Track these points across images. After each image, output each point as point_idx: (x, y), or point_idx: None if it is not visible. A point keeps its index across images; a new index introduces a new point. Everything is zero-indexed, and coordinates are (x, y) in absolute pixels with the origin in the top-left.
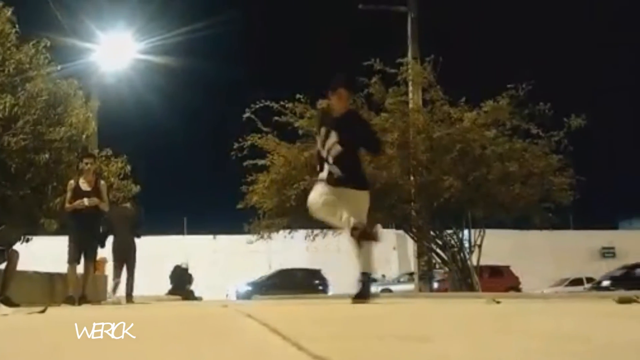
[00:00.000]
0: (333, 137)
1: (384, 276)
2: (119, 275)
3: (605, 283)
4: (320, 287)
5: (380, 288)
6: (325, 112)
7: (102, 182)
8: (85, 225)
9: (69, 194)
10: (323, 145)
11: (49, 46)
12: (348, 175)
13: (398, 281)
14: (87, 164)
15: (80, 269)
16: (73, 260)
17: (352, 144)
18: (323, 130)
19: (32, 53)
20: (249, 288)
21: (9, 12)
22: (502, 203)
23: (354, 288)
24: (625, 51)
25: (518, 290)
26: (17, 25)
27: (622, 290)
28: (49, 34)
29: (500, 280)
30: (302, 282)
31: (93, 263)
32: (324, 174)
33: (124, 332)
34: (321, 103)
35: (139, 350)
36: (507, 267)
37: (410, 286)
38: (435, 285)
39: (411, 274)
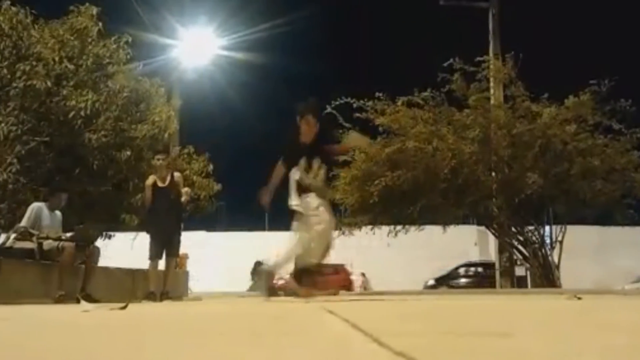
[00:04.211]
0: (316, 162)
1: None
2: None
3: None
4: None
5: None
6: (295, 141)
7: (177, 174)
8: (165, 221)
9: (148, 192)
10: (308, 170)
11: (130, 42)
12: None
13: None
14: (158, 159)
15: (162, 264)
16: (154, 257)
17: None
18: (303, 161)
19: (113, 48)
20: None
21: (94, 10)
22: (584, 199)
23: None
24: None
25: (350, 289)
26: (100, 23)
27: None
28: (131, 30)
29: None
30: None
31: (175, 259)
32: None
33: (205, 328)
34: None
35: (221, 346)
36: (342, 265)
37: None
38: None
39: None
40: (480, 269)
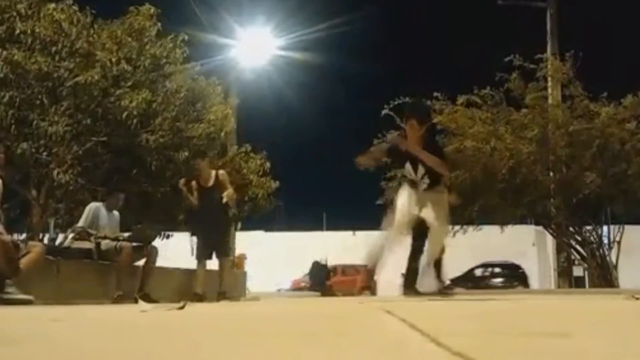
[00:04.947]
0: (422, 169)
1: None
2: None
3: None
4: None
5: None
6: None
7: (221, 172)
8: (211, 221)
9: (194, 193)
10: (415, 174)
11: (187, 41)
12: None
13: None
14: (198, 164)
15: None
16: (201, 257)
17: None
18: (408, 165)
19: (170, 47)
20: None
21: (151, 9)
22: None
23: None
24: None
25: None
26: (159, 24)
27: None
28: (189, 29)
29: (354, 279)
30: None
31: (227, 259)
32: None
33: (262, 329)
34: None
35: (277, 346)
36: (365, 266)
37: None
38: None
39: None
40: (497, 270)
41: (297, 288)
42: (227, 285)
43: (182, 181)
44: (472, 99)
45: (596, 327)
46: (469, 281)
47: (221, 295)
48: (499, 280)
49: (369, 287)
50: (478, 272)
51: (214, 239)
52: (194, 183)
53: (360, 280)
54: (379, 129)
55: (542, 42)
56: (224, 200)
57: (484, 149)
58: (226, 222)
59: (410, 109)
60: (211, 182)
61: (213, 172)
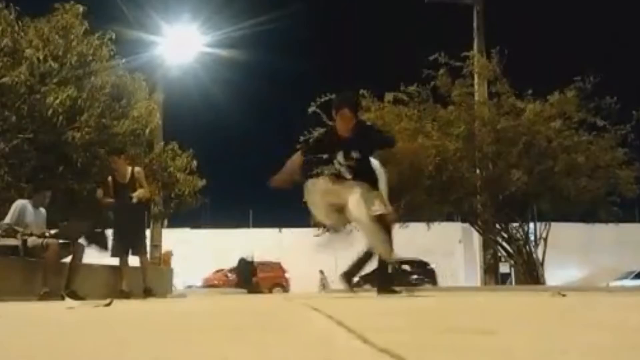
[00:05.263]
0: (355, 154)
1: None
2: None
3: None
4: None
5: None
6: (329, 134)
7: (137, 169)
8: (126, 218)
9: (106, 190)
10: (343, 164)
11: (114, 39)
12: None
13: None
14: (114, 161)
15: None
16: (117, 254)
17: (368, 156)
18: (340, 153)
19: (96, 45)
20: None
21: (80, 9)
22: (568, 196)
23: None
24: None
25: (283, 287)
26: (85, 22)
27: None
28: (115, 26)
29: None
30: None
31: (145, 255)
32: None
33: (189, 325)
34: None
35: (204, 343)
36: (278, 263)
37: None
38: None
39: None
40: (405, 267)
41: (209, 285)
42: (150, 281)
43: (100, 192)
44: (399, 96)
45: (522, 323)
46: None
47: (147, 292)
48: (406, 277)
49: (281, 284)
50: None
51: (129, 236)
52: (110, 179)
53: (271, 278)
54: (305, 125)
55: (469, 39)
56: (133, 200)
57: (410, 145)
58: (141, 218)
59: (342, 99)
60: (127, 179)
61: (129, 169)
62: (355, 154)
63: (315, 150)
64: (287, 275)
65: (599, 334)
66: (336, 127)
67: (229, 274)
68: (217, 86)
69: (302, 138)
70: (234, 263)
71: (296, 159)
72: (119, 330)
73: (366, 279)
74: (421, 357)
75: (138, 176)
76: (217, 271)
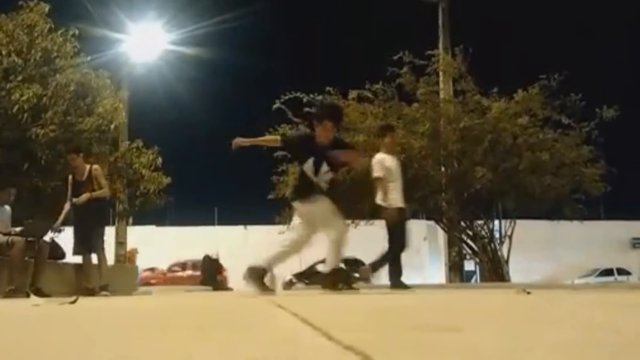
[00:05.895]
0: (324, 166)
1: None
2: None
3: None
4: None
5: None
6: (308, 138)
7: (95, 166)
8: (83, 215)
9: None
10: (315, 173)
11: (78, 36)
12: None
13: None
14: (73, 159)
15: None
16: (78, 252)
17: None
18: (311, 160)
19: (60, 42)
20: None
21: (46, 8)
22: (533, 194)
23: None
24: None
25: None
26: (50, 20)
27: None
28: (80, 24)
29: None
30: None
31: (102, 252)
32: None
33: (154, 323)
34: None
35: (169, 340)
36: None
37: None
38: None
39: None
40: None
41: (145, 284)
42: (108, 278)
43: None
44: (364, 94)
45: (487, 321)
46: (310, 277)
47: (103, 288)
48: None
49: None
50: (320, 266)
51: (87, 233)
52: (70, 177)
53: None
54: (270, 123)
55: (434, 37)
56: (77, 202)
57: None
58: (99, 216)
59: (328, 111)
60: (84, 177)
61: (87, 167)
62: (324, 168)
63: (290, 148)
64: (225, 273)
65: (564, 331)
66: (316, 133)
67: (176, 268)
68: (182, 84)
69: (267, 134)
70: (199, 260)
71: (272, 140)
72: (85, 327)
73: (298, 277)
74: (386, 354)
75: (95, 174)
76: (173, 266)
